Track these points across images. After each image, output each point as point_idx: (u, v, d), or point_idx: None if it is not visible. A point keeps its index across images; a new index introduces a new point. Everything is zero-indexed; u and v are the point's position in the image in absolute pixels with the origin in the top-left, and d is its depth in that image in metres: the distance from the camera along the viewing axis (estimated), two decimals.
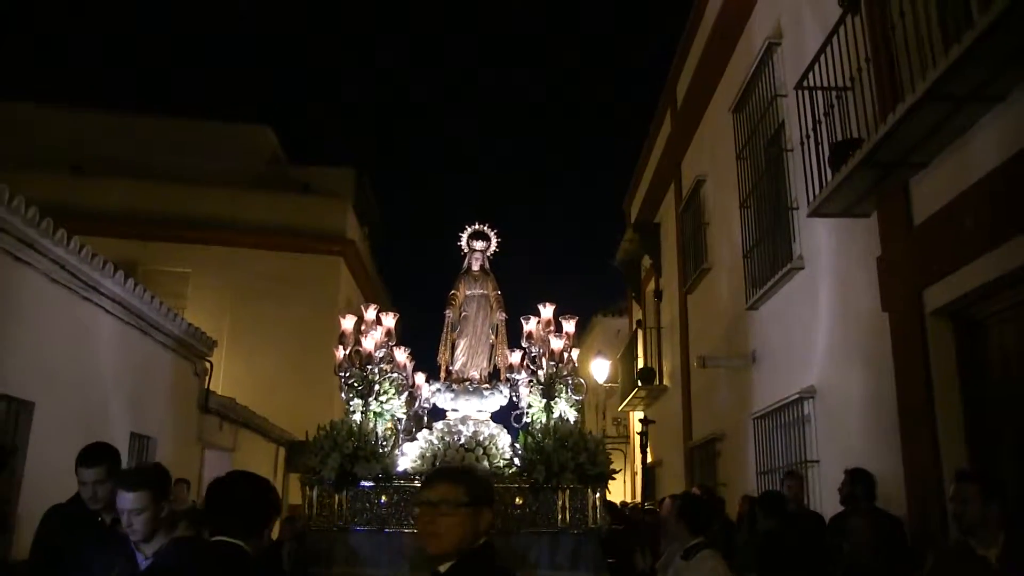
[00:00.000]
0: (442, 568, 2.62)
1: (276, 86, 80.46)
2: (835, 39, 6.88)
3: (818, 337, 8.48)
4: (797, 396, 8.75)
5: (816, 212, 7.26)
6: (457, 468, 3.05)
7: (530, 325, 8.78)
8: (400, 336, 10.08)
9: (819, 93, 7.36)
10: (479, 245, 9.82)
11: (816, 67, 7.25)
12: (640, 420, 15.95)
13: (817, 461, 8.34)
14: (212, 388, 13.69)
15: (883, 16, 6.54)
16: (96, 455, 4.30)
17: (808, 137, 7.53)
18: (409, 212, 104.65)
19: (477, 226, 9.93)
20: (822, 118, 7.28)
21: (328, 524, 7.91)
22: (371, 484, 7.98)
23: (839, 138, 6.94)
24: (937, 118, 5.54)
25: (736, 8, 11.23)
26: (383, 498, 7.95)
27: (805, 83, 7.51)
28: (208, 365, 13.34)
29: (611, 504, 11.86)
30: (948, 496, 4.02)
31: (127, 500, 3.68)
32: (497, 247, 9.93)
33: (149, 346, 11.18)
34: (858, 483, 6.37)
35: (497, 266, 9.77)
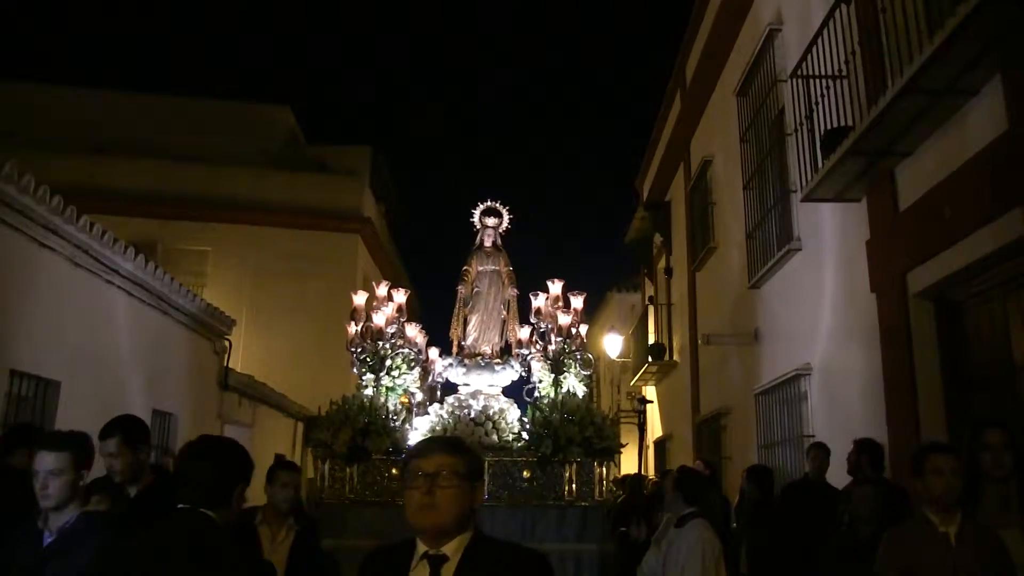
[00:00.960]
0: (446, 549, 2.43)
1: (294, 65, 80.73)
2: (828, 28, 7.11)
3: (815, 316, 8.76)
4: (795, 373, 9.05)
5: (808, 197, 7.54)
6: (450, 439, 2.79)
7: (539, 301, 9.01)
8: (418, 312, 10.33)
9: (813, 81, 7.59)
10: (491, 221, 10.01)
11: (811, 55, 7.48)
12: (639, 400, 16.26)
13: (813, 435, 8.64)
14: (231, 365, 14.08)
15: (872, 5, 6.77)
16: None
17: (802, 125, 7.78)
18: (427, 189, 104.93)
19: (489, 203, 10.11)
20: (815, 106, 7.52)
21: (340, 497, 8.18)
22: (382, 457, 8.24)
23: (833, 125, 7.18)
24: (917, 110, 5.81)
25: None
26: (394, 471, 8.17)
27: (800, 71, 7.75)
28: (227, 343, 13.74)
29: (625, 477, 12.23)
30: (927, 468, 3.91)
31: (46, 461, 3.51)
32: (510, 223, 10.12)
33: (169, 325, 11.58)
34: (863, 453, 6.46)
35: (511, 241, 10.05)
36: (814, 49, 7.38)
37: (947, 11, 5.18)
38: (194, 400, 12.32)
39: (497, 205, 10.08)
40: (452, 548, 2.42)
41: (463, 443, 2.66)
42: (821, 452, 7.30)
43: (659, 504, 8.19)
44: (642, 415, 16.55)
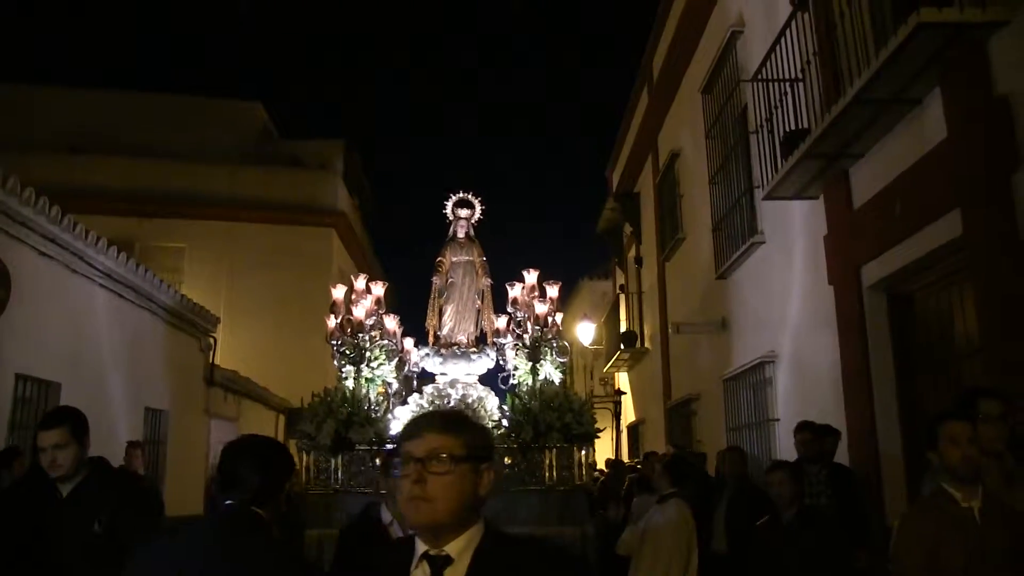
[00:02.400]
0: (450, 549, 2.02)
1: (264, 60, 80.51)
2: (787, 34, 7.55)
3: (779, 306, 9.23)
4: (760, 360, 9.55)
5: (769, 195, 8.02)
6: (448, 413, 2.55)
7: (515, 291, 9.15)
8: (391, 303, 10.40)
9: (773, 85, 8.05)
10: (464, 213, 10.12)
11: (771, 60, 7.92)
12: (615, 392, 16.74)
13: (778, 419, 9.14)
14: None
15: (827, 14, 7.22)
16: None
17: (763, 125, 8.24)
18: (399, 179, 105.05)
19: (461, 194, 10.22)
20: (775, 108, 7.98)
21: (325, 488, 8.32)
22: (366, 448, 8.37)
23: (792, 126, 7.63)
24: (867, 117, 6.28)
25: None
26: (377, 461, 8.00)
27: (760, 75, 8.21)
28: (212, 340, 14.09)
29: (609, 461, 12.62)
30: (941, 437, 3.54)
31: (48, 437, 3.78)
32: (482, 214, 10.23)
33: (158, 325, 11.94)
34: (829, 435, 6.81)
35: (484, 231, 10.27)
36: (774, 54, 7.82)
37: (891, 28, 5.67)
38: (182, 396, 12.68)
39: (469, 196, 10.21)
40: (458, 548, 2.03)
41: (463, 418, 2.25)
42: (807, 436, 6.93)
43: (642, 488, 8.61)
44: (617, 404, 17.01)
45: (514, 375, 9.14)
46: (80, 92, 22.67)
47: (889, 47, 5.34)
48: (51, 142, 20.29)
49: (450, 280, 9.83)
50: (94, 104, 22.08)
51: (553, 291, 9.20)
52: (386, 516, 4.39)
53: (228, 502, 2.83)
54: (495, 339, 9.60)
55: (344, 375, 8.80)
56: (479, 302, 9.92)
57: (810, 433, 6.75)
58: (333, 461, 8.39)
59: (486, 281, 9.92)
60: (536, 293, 9.17)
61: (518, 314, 9.11)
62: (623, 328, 18.43)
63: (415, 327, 10.11)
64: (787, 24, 7.53)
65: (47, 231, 8.43)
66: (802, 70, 7.27)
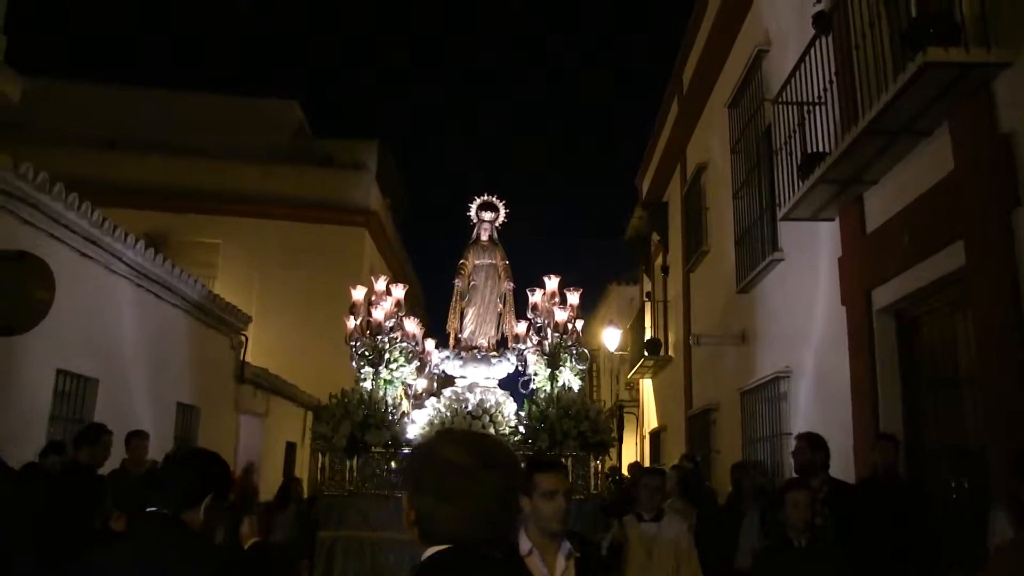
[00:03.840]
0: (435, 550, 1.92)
1: (302, 59, 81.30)
2: (808, 58, 7.72)
3: (795, 322, 9.40)
4: (775, 375, 9.72)
5: (787, 216, 8.20)
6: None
7: (535, 297, 9.13)
8: (422, 303, 10.35)
9: (794, 107, 8.21)
10: (488, 215, 10.04)
11: (792, 81, 8.09)
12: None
13: (791, 433, 9.30)
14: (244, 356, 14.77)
15: (846, 42, 7.39)
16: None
17: (784, 146, 8.42)
18: (432, 181, 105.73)
19: (486, 196, 10.11)
20: (797, 129, 8.15)
21: (339, 489, 8.20)
22: (381, 451, 8.31)
23: (813, 147, 7.79)
24: (880, 145, 6.46)
25: (734, 9, 11.97)
26: (393, 464, 8.27)
27: (782, 97, 8.39)
28: (243, 338, 14.43)
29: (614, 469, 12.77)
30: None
31: None
32: (506, 217, 10.13)
33: (192, 323, 12.31)
34: (818, 449, 6.54)
35: (511, 234, 10.31)
36: (795, 76, 7.99)
37: (901, 62, 5.84)
38: (213, 393, 13.04)
39: (494, 199, 10.11)
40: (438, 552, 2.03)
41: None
42: (887, 444, 6.32)
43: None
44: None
45: (534, 380, 9.09)
46: (117, 88, 23.04)
47: (898, 82, 5.53)
48: (88, 138, 20.68)
49: (472, 283, 9.77)
50: (131, 101, 22.43)
51: (574, 298, 9.15)
52: (525, 545, 3.63)
53: (150, 509, 2.88)
54: (515, 344, 9.53)
55: (362, 376, 8.75)
56: (501, 306, 9.85)
57: (805, 442, 6.60)
58: (348, 463, 8.32)
59: (508, 285, 9.83)
60: (556, 299, 9.14)
61: (538, 320, 9.12)
62: (648, 335, 18.61)
63: (441, 327, 10.10)
64: (809, 47, 7.69)
65: (83, 230, 8.78)
66: (821, 95, 7.43)
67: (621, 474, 14.12)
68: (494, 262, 9.83)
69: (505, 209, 10.13)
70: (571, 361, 8.95)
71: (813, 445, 6.52)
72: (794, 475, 6.43)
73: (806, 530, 4.89)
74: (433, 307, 27.26)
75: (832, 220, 8.08)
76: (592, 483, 8.59)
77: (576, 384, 8.94)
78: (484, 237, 9.98)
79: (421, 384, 9.62)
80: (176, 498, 2.88)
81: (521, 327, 9.45)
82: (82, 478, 5.29)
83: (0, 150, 7.37)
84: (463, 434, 1.96)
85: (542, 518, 3.48)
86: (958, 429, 6.13)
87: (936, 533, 5.82)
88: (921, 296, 6.60)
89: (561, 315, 8.94)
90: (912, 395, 6.95)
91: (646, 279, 21.36)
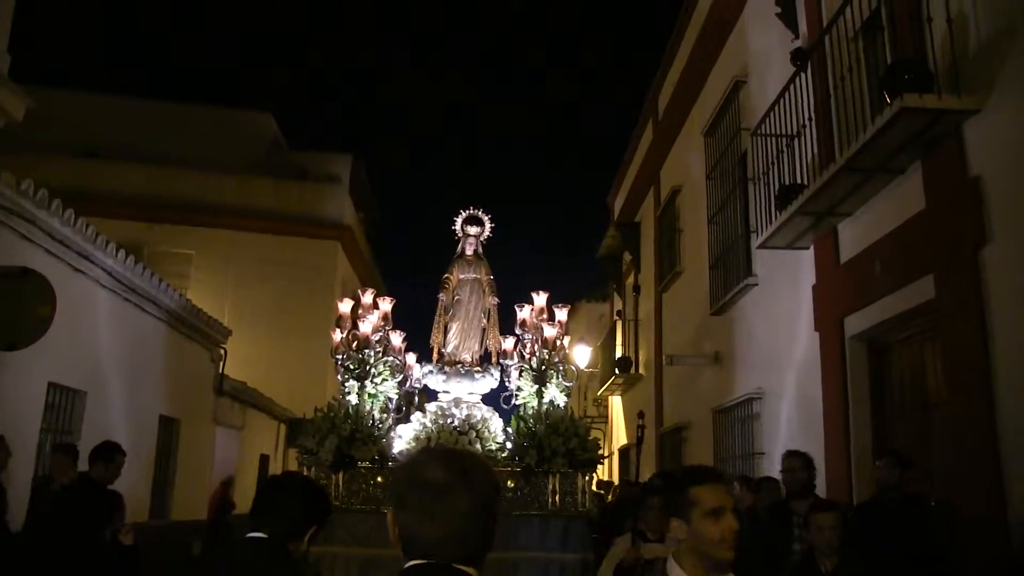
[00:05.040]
0: (410, 564, 1.88)
1: (275, 71, 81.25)
2: (787, 93, 8.05)
3: (768, 346, 9.74)
4: (748, 396, 10.05)
5: (763, 245, 8.54)
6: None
7: (524, 313, 9.06)
8: (394, 317, 10.24)
9: (771, 140, 8.55)
10: (473, 230, 9.95)
11: (771, 115, 8.43)
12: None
13: (764, 453, 9.64)
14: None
15: (825, 78, 7.74)
16: None
17: (761, 177, 8.76)
18: (403, 194, 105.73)
19: (471, 211, 10.03)
20: (774, 162, 8.48)
21: None
22: (368, 465, 8.25)
23: (789, 178, 8.11)
24: (855, 182, 6.80)
25: (712, 39, 12.33)
26: (379, 479, 8.17)
27: (760, 130, 8.73)
28: (223, 352, 14.55)
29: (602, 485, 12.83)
30: None
31: None
32: (491, 232, 10.06)
33: (175, 337, 12.44)
34: (809, 468, 6.15)
35: (485, 249, 9.87)
36: (774, 111, 8.33)
37: (877, 105, 6.20)
38: (193, 405, 13.16)
39: (479, 213, 10.04)
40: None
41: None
42: (893, 460, 5.91)
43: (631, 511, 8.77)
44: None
45: (517, 396, 9.04)
46: (95, 97, 22.81)
47: (876, 124, 5.87)
48: (64, 146, 20.53)
49: (456, 297, 9.68)
50: (109, 110, 22.30)
51: (562, 314, 9.14)
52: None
53: (256, 535, 2.85)
54: (500, 359, 9.43)
55: (347, 390, 8.68)
56: (485, 321, 9.77)
57: (800, 461, 6.15)
58: (334, 478, 8.23)
59: (492, 300, 9.77)
60: (545, 315, 9.09)
61: (526, 336, 9.05)
62: (619, 353, 18.89)
63: (415, 341, 9.93)
64: (788, 84, 8.03)
65: (76, 244, 8.94)
66: (799, 130, 7.76)
67: (606, 489, 14.19)
68: (479, 277, 9.78)
69: (491, 224, 10.08)
70: (558, 378, 8.91)
71: (808, 464, 6.13)
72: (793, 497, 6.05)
73: (832, 554, 4.60)
74: (404, 319, 27.35)
75: (807, 249, 8.42)
76: (580, 500, 8.52)
77: (562, 400, 8.90)
78: (469, 251, 9.92)
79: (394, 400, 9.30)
80: (284, 527, 2.85)
81: (509, 343, 9.34)
82: (93, 493, 5.45)
83: None
84: (443, 452, 1.99)
85: (706, 543, 2.63)
86: (926, 451, 6.46)
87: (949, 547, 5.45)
88: (892, 325, 6.95)
89: (550, 331, 8.93)
90: (882, 420, 7.29)
91: (617, 297, 21.66)
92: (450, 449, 2.02)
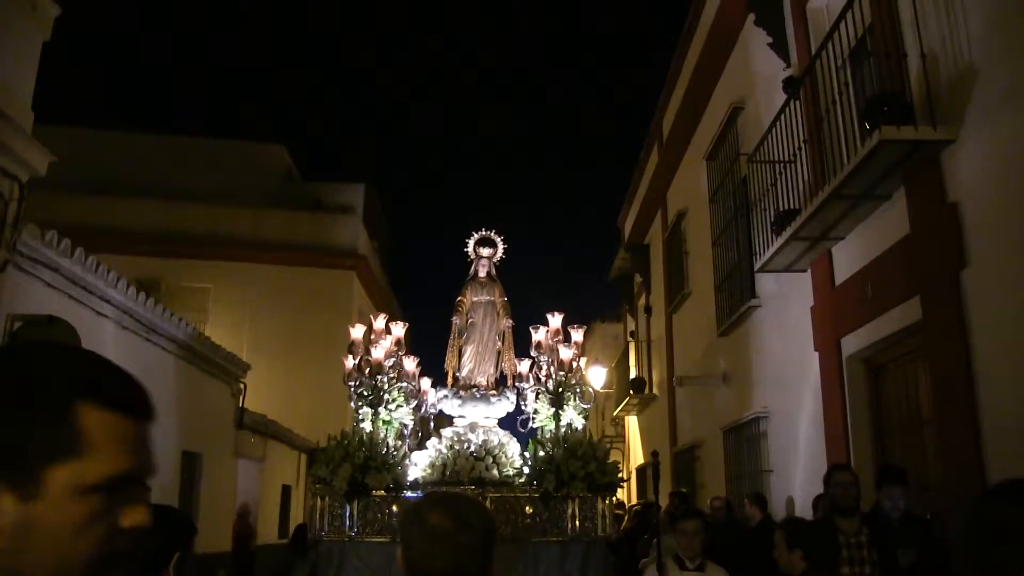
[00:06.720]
0: None
1: (284, 102, 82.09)
2: (781, 120, 8.31)
3: (772, 366, 9.98)
4: (755, 415, 10.27)
5: (762, 269, 8.79)
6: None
7: (539, 335, 8.84)
8: (408, 342, 9.78)
9: (767, 165, 8.81)
10: (486, 251, 9.74)
11: (767, 141, 8.68)
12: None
13: (771, 470, 9.84)
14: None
15: (816, 106, 7.99)
16: None
17: (756, 204, 9.02)
18: (416, 216, 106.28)
19: (484, 232, 9.82)
20: (771, 186, 8.73)
21: (339, 535, 7.93)
22: (383, 494, 8.03)
23: (786, 202, 8.33)
24: (845, 208, 7.06)
25: (710, 66, 12.61)
26: (394, 508, 7.97)
27: (757, 156, 8.99)
28: (242, 386, 14.84)
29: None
30: None
31: None
32: (504, 253, 9.85)
33: (197, 374, 12.73)
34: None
35: (498, 269, 9.76)
36: (769, 136, 8.58)
37: (859, 136, 6.45)
38: (214, 439, 13.45)
39: (492, 235, 9.83)
40: None
41: None
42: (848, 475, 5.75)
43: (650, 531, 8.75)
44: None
45: (534, 419, 8.87)
46: (107, 134, 23.14)
47: (858, 155, 6.13)
48: (78, 183, 20.79)
49: (470, 320, 9.49)
50: (120, 145, 22.59)
51: (578, 335, 8.95)
52: None
53: None
54: (516, 382, 9.18)
55: (361, 417, 8.49)
56: (499, 343, 9.57)
57: (851, 475, 5.69)
58: (348, 507, 8.03)
59: (507, 322, 9.55)
60: (560, 337, 8.89)
61: (542, 358, 8.79)
62: (633, 374, 19.12)
63: (431, 366, 9.77)
64: (781, 111, 8.29)
65: (104, 293, 9.25)
66: (793, 154, 8.00)
67: (623, 511, 14.15)
68: (492, 299, 9.60)
69: (504, 245, 9.85)
70: (575, 400, 8.70)
71: (856, 479, 5.68)
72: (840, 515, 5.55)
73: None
74: (419, 344, 27.58)
75: (805, 271, 8.65)
76: (600, 525, 8.25)
77: (580, 423, 8.66)
78: (482, 273, 9.72)
79: (410, 426, 9.12)
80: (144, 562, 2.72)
81: (524, 365, 9.09)
82: (162, 519, 5.67)
83: None
84: (445, 499, 2.29)
85: None
86: (921, 467, 6.68)
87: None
88: (885, 345, 7.18)
89: (566, 353, 8.76)
90: (881, 436, 7.52)
91: (629, 318, 21.90)
92: (450, 495, 2.34)
